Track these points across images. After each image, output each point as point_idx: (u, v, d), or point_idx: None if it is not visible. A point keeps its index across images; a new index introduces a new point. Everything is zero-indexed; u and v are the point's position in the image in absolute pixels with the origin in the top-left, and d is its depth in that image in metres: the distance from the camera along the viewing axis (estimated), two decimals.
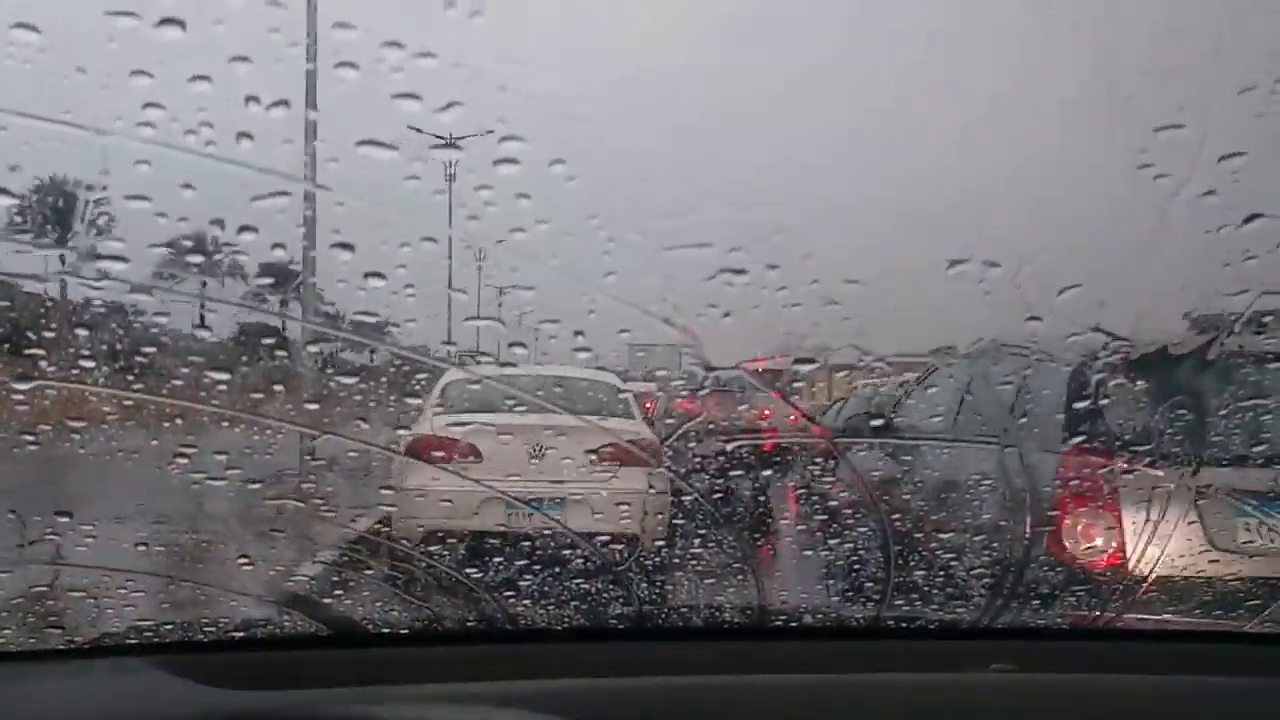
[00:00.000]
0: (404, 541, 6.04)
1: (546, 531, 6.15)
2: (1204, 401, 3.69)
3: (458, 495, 6.29)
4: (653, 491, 6.51)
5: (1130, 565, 3.19)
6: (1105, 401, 3.43)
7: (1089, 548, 3.92)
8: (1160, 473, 3.63)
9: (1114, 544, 3.82)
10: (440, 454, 7.24)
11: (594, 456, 6.77)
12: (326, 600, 2.82)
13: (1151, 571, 2.88)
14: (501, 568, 3.88)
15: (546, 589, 3.43)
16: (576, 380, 7.49)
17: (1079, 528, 3.96)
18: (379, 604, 2.80)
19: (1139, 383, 3.63)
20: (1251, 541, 3.97)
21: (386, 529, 6.29)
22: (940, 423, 5.12)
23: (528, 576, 3.68)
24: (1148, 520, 3.30)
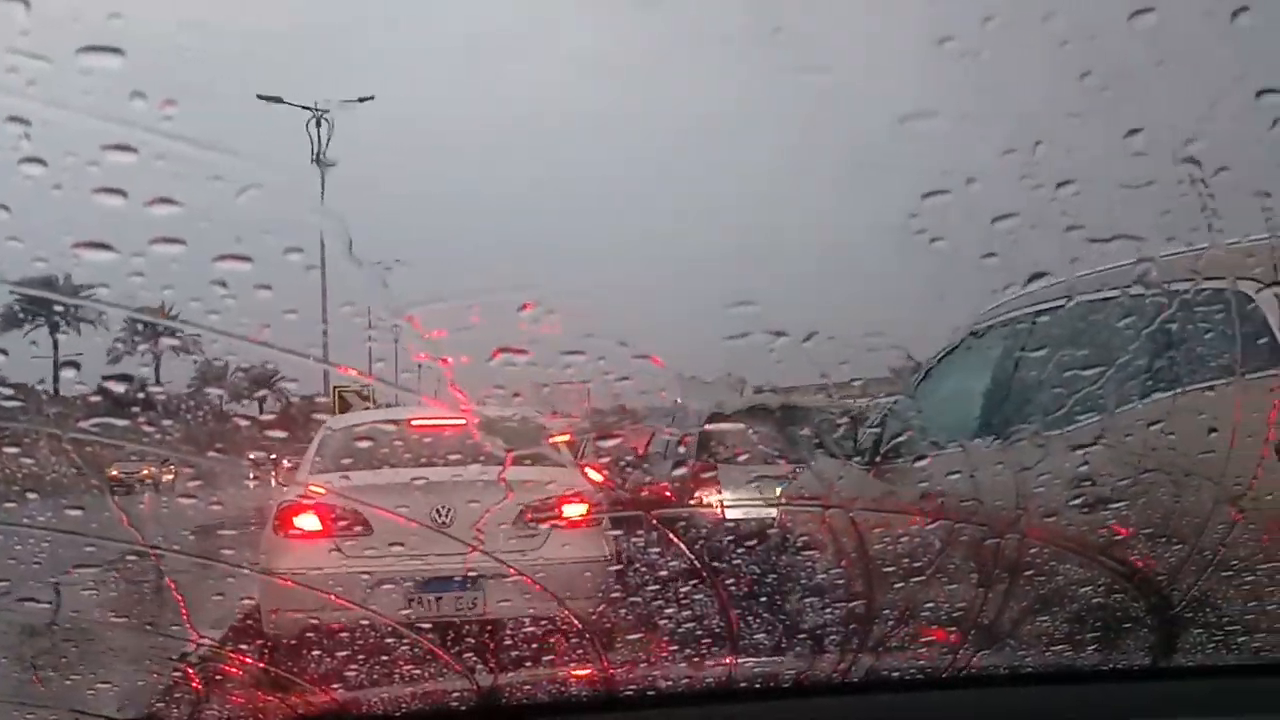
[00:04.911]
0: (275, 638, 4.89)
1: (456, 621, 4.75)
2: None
3: (340, 579, 5.14)
4: (593, 557, 5.34)
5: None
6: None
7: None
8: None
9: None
10: (317, 526, 5.78)
11: (518, 518, 5.52)
12: None
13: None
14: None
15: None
16: (491, 421, 6.89)
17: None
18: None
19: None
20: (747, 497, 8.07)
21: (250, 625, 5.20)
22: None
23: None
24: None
